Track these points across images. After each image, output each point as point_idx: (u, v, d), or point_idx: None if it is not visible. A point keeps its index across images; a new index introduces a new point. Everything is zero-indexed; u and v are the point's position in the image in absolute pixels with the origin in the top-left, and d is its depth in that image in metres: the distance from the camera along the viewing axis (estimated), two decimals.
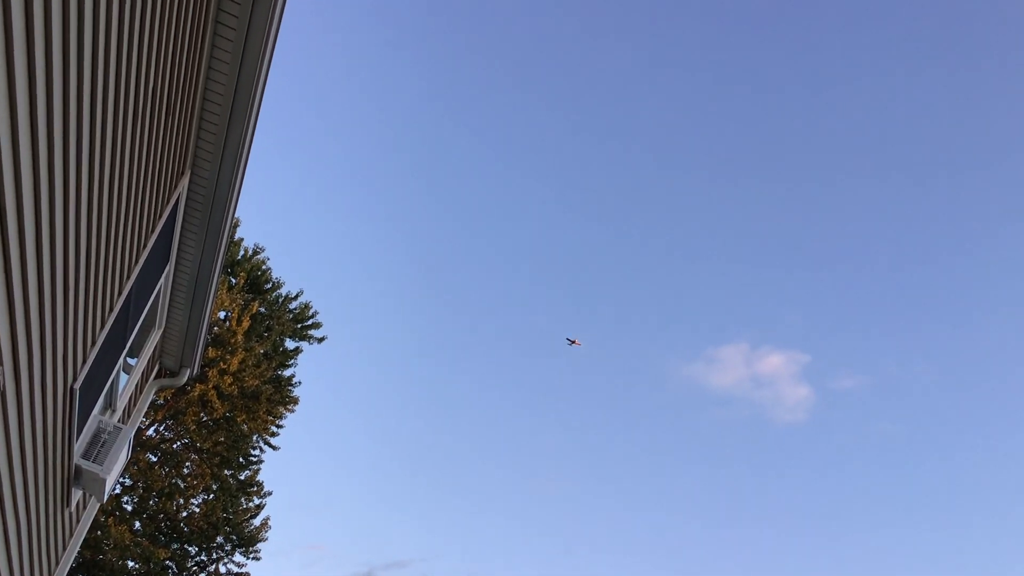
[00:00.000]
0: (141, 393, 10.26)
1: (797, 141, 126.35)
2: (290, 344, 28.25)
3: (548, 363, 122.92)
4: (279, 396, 26.24)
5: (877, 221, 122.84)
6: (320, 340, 28.92)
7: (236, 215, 9.20)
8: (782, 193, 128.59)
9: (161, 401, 23.57)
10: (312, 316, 28.57)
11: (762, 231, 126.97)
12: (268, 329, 26.61)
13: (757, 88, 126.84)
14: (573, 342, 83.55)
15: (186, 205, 8.26)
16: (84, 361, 6.25)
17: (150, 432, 24.57)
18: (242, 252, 26.82)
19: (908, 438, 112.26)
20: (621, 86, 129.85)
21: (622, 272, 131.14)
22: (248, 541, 25.59)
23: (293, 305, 28.19)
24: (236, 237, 26.44)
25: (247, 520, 25.89)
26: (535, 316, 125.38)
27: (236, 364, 23.71)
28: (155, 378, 10.72)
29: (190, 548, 25.05)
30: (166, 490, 23.92)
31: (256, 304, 25.22)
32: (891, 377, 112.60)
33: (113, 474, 7.33)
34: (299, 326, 28.30)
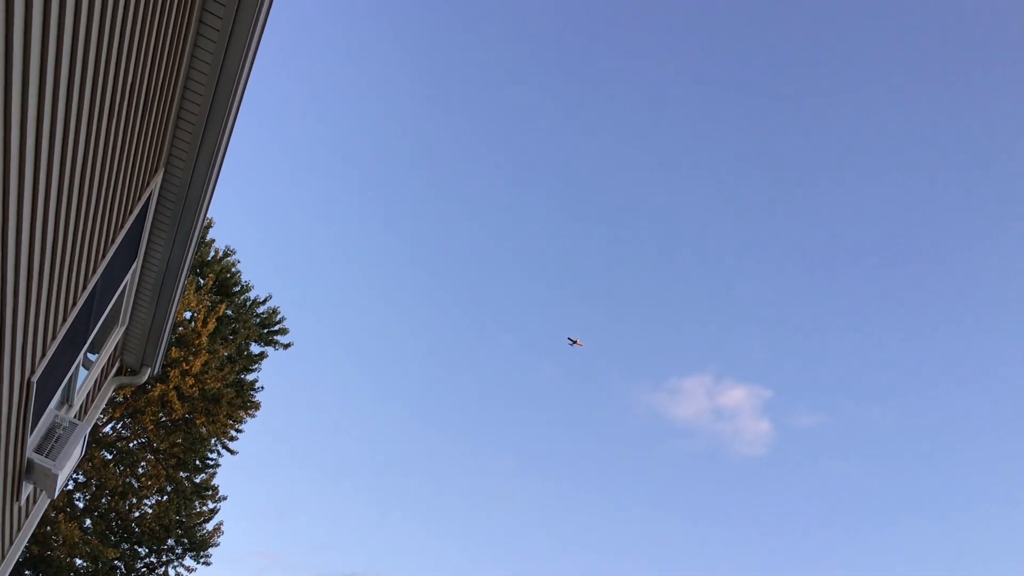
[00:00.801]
0: (100, 390, 10.14)
1: (767, 185, 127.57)
2: (255, 349, 28.03)
3: (512, 382, 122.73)
4: (240, 400, 25.99)
5: (846, 267, 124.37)
6: (286, 346, 28.72)
7: (209, 215, 9.14)
8: (755, 232, 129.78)
9: (120, 399, 23.27)
10: (279, 322, 28.38)
11: (733, 265, 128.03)
12: (234, 332, 26.39)
13: (744, 104, 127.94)
14: (575, 342, 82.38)
15: (158, 203, 8.20)
16: (43, 354, 6.17)
17: (107, 429, 24.24)
18: (212, 253, 26.62)
19: (862, 478, 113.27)
20: (609, 107, 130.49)
21: (594, 296, 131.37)
22: (200, 545, 25.27)
23: (261, 309, 27.98)
24: (207, 238, 26.25)
25: (200, 524, 25.58)
26: (503, 335, 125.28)
27: (199, 366, 23.47)
28: (115, 375, 10.60)
29: (140, 549, 24.69)
30: (119, 489, 23.58)
31: (223, 306, 25.02)
32: (849, 417, 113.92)
33: (65, 470, 7.23)
34: (265, 331, 28.08)
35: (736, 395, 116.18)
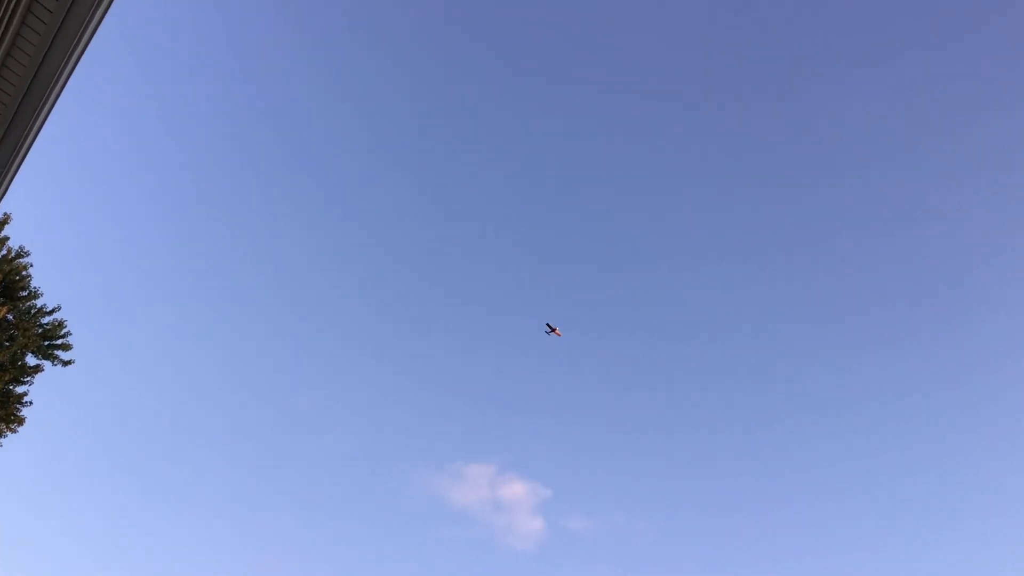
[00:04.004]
0: None
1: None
2: (31, 360, 26.32)
3: (301, 443, 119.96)
4: (3, 412, 24.26)
5: (626, 389, 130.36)
6: (66, 363, 27.10)
7: (7, 211, 8.67)
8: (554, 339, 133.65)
9: None
10: (64, 336, 26.81)
11: (531, 365, 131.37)
12: (11, 339, 24.74)
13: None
14: (553, 330, 76.89)
15: None
16: None
17: None
18: (4, 251, 25.01)
19: None
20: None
21: (400, 366, 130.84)
22: None
23: (46, 320, 26.40)
24: (1, 234, 24.66)
25: None
26: (296, 397, 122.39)
27: None
28: None
29: None
30: None
31: (4, 309, 23.47)
32: (616, 526, 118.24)
33: None
34: (46, 343, 26.45)
35: (516, 489, 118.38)
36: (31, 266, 25.72)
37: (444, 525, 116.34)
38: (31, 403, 25.64)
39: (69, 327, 26.90)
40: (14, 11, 6.28)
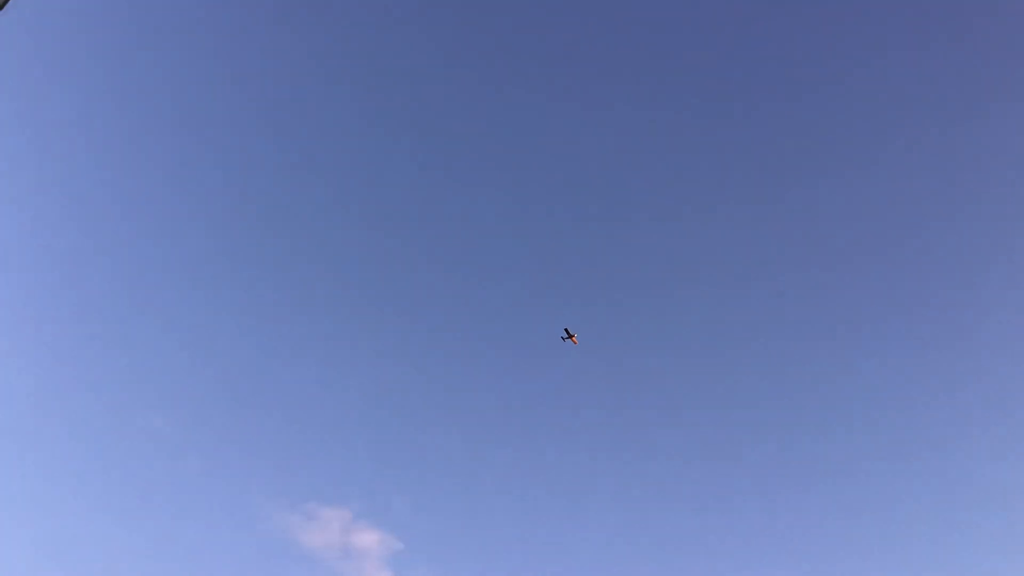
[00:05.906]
0: None
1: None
2: None
3: (134, 463, 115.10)
4: None
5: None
6: None
7: None
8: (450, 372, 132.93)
9: None
10: None
11: (398, 411, 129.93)
12: None
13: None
14: (570, 336, 75.55)
15: None
16: None
17: None
18: None
19: None
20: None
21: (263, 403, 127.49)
22: None
23: None
24: None
25: None
26: (149, 414, 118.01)
27: None
28: None
29: None
30: None
31: None
32: None
33: None
34: None
35: (369, 538, 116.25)
36: None
37: (289, 566, 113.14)
38: None
39: None
40: None
